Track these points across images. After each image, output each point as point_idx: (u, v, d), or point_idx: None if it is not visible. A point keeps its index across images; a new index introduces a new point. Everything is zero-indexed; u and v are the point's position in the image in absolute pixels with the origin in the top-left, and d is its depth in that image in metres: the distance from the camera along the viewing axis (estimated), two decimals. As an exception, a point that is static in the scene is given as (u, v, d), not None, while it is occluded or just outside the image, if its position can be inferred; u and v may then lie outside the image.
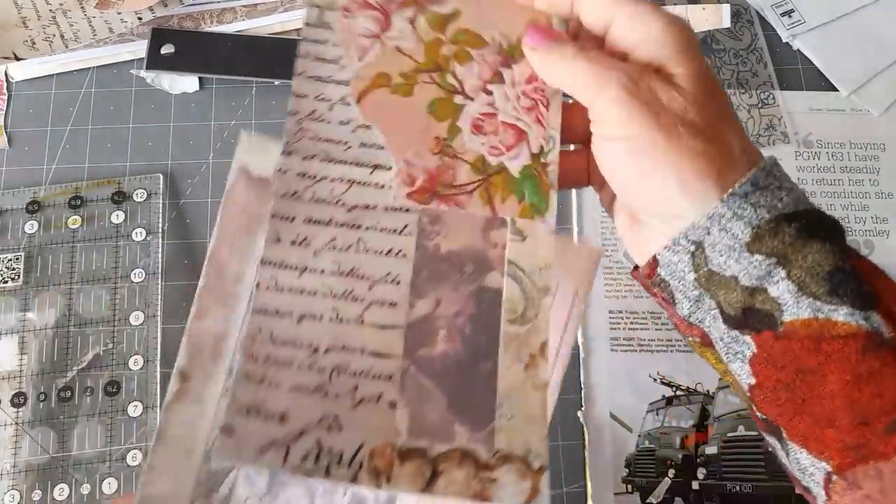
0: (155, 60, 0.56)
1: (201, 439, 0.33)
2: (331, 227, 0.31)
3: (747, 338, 0.28)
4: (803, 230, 0.27)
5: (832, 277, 0.27)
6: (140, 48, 0.56)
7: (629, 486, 0.49)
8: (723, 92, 0.30)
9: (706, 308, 0.29)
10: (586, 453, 0.50)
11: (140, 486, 0.33)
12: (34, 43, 0.56)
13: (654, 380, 0.51)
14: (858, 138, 0.58)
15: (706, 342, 0.30)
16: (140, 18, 0.57)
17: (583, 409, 0.50)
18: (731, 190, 0.27)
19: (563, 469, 0.49)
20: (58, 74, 0.57)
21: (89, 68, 0.57)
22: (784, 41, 0.61)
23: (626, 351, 0.52)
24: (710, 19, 0.59)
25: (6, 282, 0.51)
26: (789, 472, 0.30)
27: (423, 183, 0.32)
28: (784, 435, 0.28)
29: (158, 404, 0.49)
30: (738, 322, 0.28)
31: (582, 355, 0.51)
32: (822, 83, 0.60)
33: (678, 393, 0.51)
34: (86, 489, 0.47)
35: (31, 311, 0.51)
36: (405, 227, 0.31)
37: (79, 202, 0.53)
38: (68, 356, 0.50)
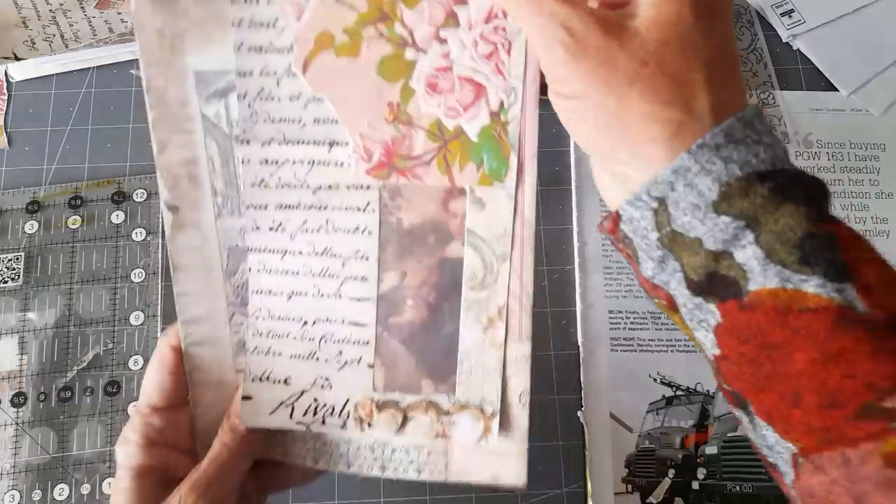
0: (155, 60, 0.55)
1: (215, 260, 0.34)
2: (300, 210, 0.33)
3: (712, 306, 0.26)
4: (777, 190, 0.24)
5: (804, 244, 0.24)
6: (140, 48, 0.56)
7: (629, 486, 0.49)
8: (708, 34, 0.26)
9: (670, 270, 0.26)
10: (586, 453, 0.49)
11: (178, 314, 0.34)
12: (34, 43, 0.56)
13: (654, 380, 0.51)
14: (858, 138, 0.58)
15: (672, 306, 0.28)
16: (140, 18, 0.57)
17: (583, 409, 0.50)
18: (700, 140, 0.24)
19: (563, 469, 0.49)
20: (58, 74, 0.57)
21: (89, 68, 0.57)
22: (784, 41, 0.61)
23: (626, 351, 0.52)
24: (710, 19, 0.59)
25: (6, 282, 0.51)
26: (756, 448, 0.27)
27: (381, 157, 0.32)
28: (751, 409, 0.26)
29: (158, 404, 0.49)
30: (702, 288, 0.26)
31: (582, 355, 0.51)
32: (822, 83, 0.60)
33: (678, 393, 0.51)
34: (86, 489, 0.47)
35: (31, 311, 0.51)
36: (367, 203, 0.32)
37: (79, 202, 0.53)
38: (68, 356, 0.50)
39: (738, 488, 0.49)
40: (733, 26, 0.27)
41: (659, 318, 0.53)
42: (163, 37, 0.31)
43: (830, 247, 0.24)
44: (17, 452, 0.48)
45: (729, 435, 0.50)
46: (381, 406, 0.34)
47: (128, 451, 0.33)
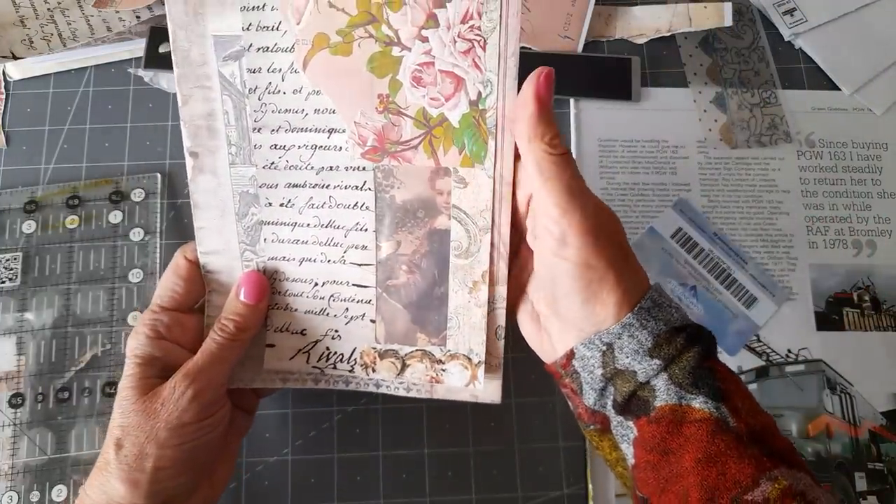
0: (153, 59, 0.55)
1: (228, 202, 0.39)
2: (306, 188, 0.38)
3: (630, 423, 0.34)
4: (688, 339, 0.33)
5: (695, 372, 0.32)
6: (138, 47, 0.56)
7: (630, 488, 0.49)
8: (624, 242, 0.36)
9: (608, 395, 0.34)
10: (587, 455, 0.49)
11: (198, 245, 0.40)
12: (32, 42, 0.56)
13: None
14: (861, 138, 0.58)
15: (605, 428, 0.35)
16: (138, 17, 0.57)
17: (583, 410, 0.50)
18: (639, 305, 0.34)
19: (563, 470, 0.49)
20: (56, 73, 0.56)
21: (87, 67, 0.57)
22: (786, 40, 0.60)
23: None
24: (711, 18, 0.59)
25: (3, 282, 0.51)
26: None
27: (374, 143, 0.36)
28: None
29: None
30: (623, 408, 0.34)
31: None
32: (825, 82, 0.59)
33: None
34: (84, 490, 0.47)
35: (28, 311, 0.50)
36: (364, 183, 0.37)
37: (76, 202, 0.53)
38: (66, 357, 0.50)
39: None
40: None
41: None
42: (187, 3, 0.36)
43: (712, 376, 0.33)
44: (15, 453, 0.48)
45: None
46: (382, 355, 0.39)
47: (137, 341, 0.38)
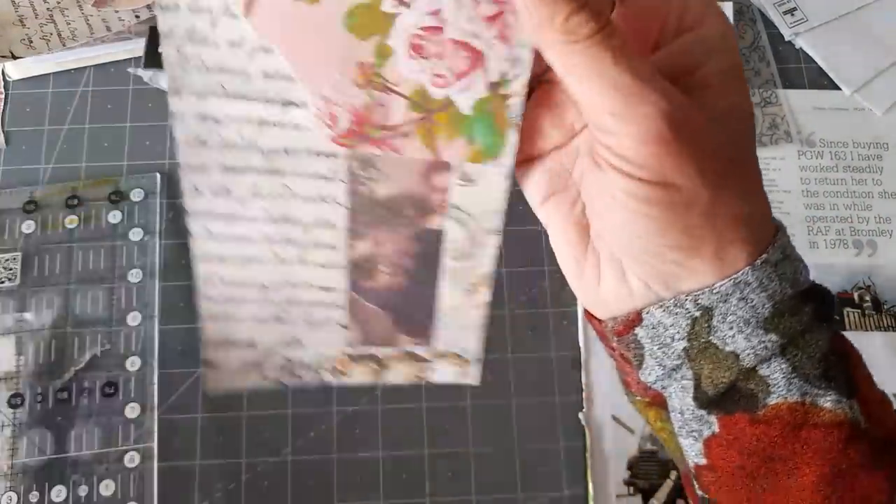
0: (153, 59, 0.55)
1: None
2: (250, 174, 0.29)
3: (712, 418, 0.24)
4: (817, 311, 0.24)
5: (826, 359, 0.24)
6: (138, 47, 0.56)
7: (631, 489, 0.49)
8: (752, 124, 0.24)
9: (678, 377, 0.25)
10: (587, 455, 0.49)
11: None
12: (31, 41, 0.56)
13: (656, 381, 0.51)
14: (861, 137, 0.58)
15: (656, 402, 0.27)
16: (137, 17, 0.56)
17: (584, 410, 0.50)
18: (764, 256, 0.23)
19: (564, 471, 0.49)
20: (55, 73, 0.56)
21: (87, 67, 0.57)
22: (787, 39, 0.60)
23: (627, 352, 0.52)
24: (712, 17, 0.59)
25: (3, 282, 0.51)
26: None
27: (349, 125, 0.27)
28: None
29: (156, 405, 0.49)
30: (712, 402, 0.24)
31: (583, 357, 0.51)
32: (825, 82, 0.59)
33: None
34: (83, 490, 0.47)
35: (28, 311, 0.50)
36: (333, 172, 0.29)
37: (76, 202, 0.52)
38: (65, 357, 0.49)
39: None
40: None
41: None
42: None
43: (845, 364, 0.24)
44: (15, 454, 0.48)
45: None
46: (356, 359, 0.33)
47: None
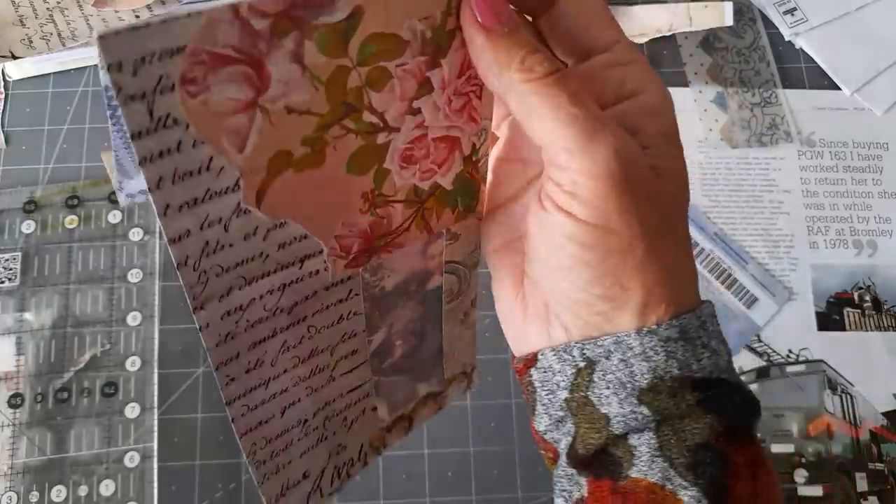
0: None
1: None
2: (277, 336, 0.28)
3: (583, 480, 0.24)
4: (703, 402, 0.23)
5: (698, 452, 0.23)
6: (138, 47, 0.56)
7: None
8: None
9: (564, 431, 0.25)
10: (587, 455, 0.49)
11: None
12: (31, 41, 0.56)
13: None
14: (861, 137, 0.58)
15: (556, 458, 0.26)
16: (137, 17, 0.56)
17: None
18: (652, 327, 0.23)
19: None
20: (55, 73, 0.56)
21: (87, 67, 0.57)
22: (787, 39, 0.60)
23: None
24: (712, 17, 0.59)
25: (3, 282, 0.51)
26: None
27: (359, 246, 0.28)
28: None
29: (156, 405, 0.49)
30: (581, 462, 0.24)
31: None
32: (825, 82, 0.59)
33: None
34: (83, 490, 0.47)
35: (28, 311, 0.50)
36: (349, 292, 0.29)
37: (76, 202, 0.52)
38: (65, 357, 0.49)
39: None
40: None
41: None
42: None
43: (722, 465, 0.23)
44: (15, 454, 0.48)
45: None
46: (389, 428, 0.35)
47: None
